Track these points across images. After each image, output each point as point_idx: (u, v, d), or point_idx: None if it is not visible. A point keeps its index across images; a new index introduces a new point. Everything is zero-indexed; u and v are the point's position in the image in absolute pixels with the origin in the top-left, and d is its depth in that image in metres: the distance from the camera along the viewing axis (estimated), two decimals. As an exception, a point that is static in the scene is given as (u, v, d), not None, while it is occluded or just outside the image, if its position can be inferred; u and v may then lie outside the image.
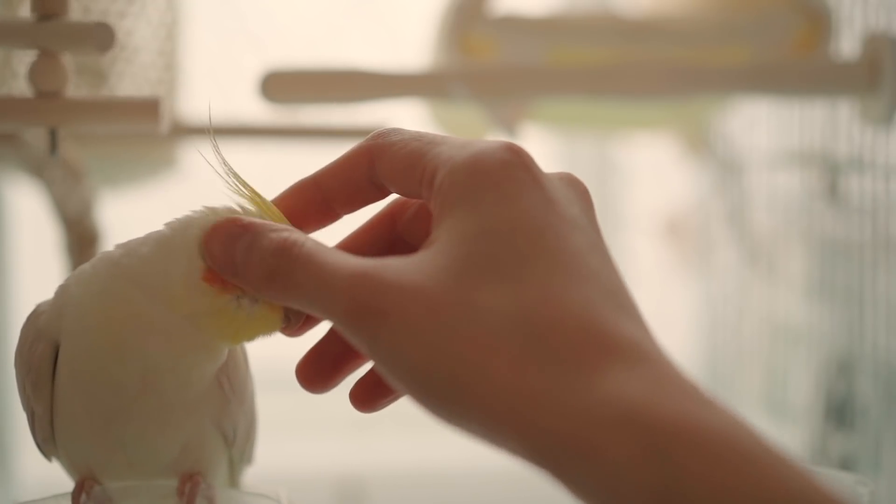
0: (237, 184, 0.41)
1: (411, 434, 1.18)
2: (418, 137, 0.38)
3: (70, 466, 0.46)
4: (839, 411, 0.88)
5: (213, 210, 0.41)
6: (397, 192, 0.39)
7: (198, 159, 1.07)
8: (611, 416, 0.31)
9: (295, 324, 0.41)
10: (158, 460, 0.45)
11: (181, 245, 0.41)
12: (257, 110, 0.80)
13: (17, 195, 1.10)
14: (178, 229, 0.42)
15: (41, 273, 0.87)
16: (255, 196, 0.41)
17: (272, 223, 0.39)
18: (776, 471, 0.30)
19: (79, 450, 0.45)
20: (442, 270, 0.34)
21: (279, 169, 1.20)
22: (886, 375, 0.83)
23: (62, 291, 0.43)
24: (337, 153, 0.40)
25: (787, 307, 1.01)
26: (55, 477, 0.47)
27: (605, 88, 0.79)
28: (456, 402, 0.33)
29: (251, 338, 0.42)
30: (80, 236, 0.78)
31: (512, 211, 0.35)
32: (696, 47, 0.84)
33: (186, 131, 0.86)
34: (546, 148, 1.32)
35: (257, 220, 0.39)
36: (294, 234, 0.37)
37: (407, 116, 0.97)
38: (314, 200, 0.40)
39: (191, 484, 0.44)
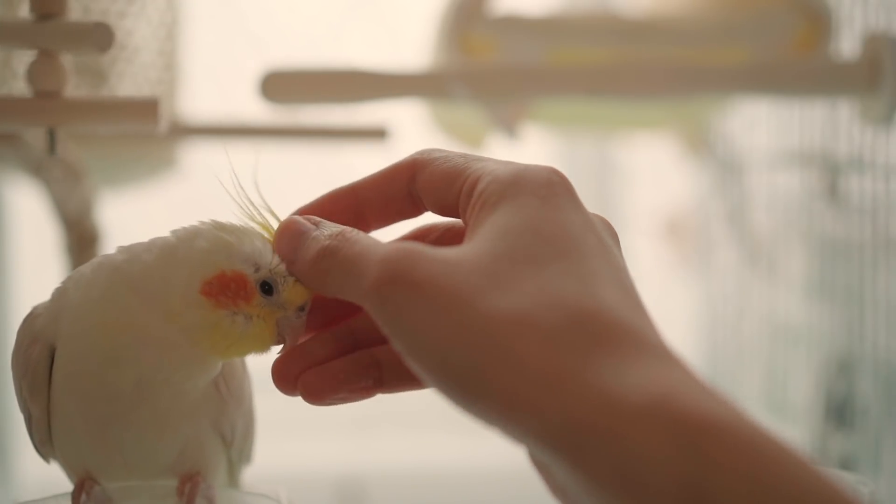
0: (251, 209, 0.42)
1: (411, 434, 1.18)
2: (462, 154, 0.39)
3: (68, 468, 0.46)
4: (839, 411, 0.88)
5: (219, 225, 0.42)
6: (432, 206, 0.40)
7: (198, 159, 1.07)
8: (640, 406, 0.31)
9: (290, 343, 0.41)
10: (157, 463, 0.45)
11: (184, 257, 0.41)
12: (257, 110, 0.80)
13: (17, 195, 1.10)
14: (184, 240, 0.42)
15: (41, 273, 0.87)
16: (266, 226, 0.42)
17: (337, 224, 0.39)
18: (802, 471, 0.30)
19: (76, 452, 0.45)
20: (480, 254, 0.35)
21: (279, 169, 1.20)
22: (886, 375, 0.83)
23: (60, 295, 0.43)
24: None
25: (787, 307, 1.01)
26: (55, 477, 0.47)
27: (605, 88, 0.79)
28: (476, 381, 0.33)
29: (243, 353, 0.43)
30: (80, 236, 0.78)
31: (554, 217, 0.36)
32: (696, 47, 0.84)
33: (186, 131, 0.86)
34: (546, 148, 1.32)
35: (328, 221, 0.39)
36: (353, 229, 0.38)
37: (407, 116, 0.97)
38: (349, 209, 0.40)
39: (190, 484, 0.44)
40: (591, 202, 0.38)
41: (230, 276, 0.41)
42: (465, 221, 0.38)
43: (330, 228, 0.39)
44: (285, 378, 0.40)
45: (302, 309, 0.41)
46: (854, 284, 0.87)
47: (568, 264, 0.35)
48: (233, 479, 0.50)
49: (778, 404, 1.02)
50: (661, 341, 0.34)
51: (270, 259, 0.41)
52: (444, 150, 0.40)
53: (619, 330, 0.33)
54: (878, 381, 0.83)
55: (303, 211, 0.41)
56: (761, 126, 1.04)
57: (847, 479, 0.49)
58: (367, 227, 0.41)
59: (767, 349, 1.05)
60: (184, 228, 0.42)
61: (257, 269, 0.41)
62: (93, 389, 0.42)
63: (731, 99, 0.97)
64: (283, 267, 0.41)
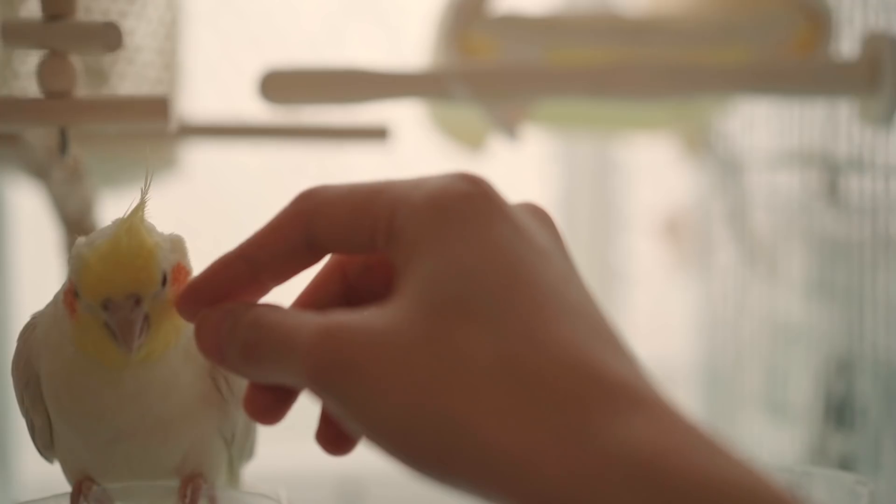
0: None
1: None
2: (355, 188, 0.35)
3: (70, 473, 0.46)
4: (839, 411, 0.88)
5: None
6: (339, 251, 0.36)
7: (197, 159, 1.07)
8: (619, 473, 0.29)
9: (123, 342, 0.40)
10: (160, 467, 0.45)
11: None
12: (257, 110, 0.80)
13: (17, 195, 1.10)
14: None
15: (41, 273, 0.87)
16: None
17: (255, 303, 0.36)
18: None
19: (78, 462, 0.45)
20: (413, 317, 0.31)
21: (279, 169, 1.20)
22: (886, 375, 0.83)
23: (37, 331, 0.44)
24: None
25: (786, 307, 1.01)
26: (55, 477, 0.47)
27: (605, 88, 0.79)
28: (442, 464, 0.31)
29: (111, 357, 0.41)
30: (79, 236, 0.78)
31: (480, 245, 0.32)
32: (696, 47, 0.84)
33: (186, 131, 0.86)
34: (546, 148, 1.32)
35: (240, 303, 0.36)
36: (265, 307, 0.35)
37: (407, 116, 0.97)
38: (240, 276, 0.36)
39: (192, 486, 0.44)
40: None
41: (69, 286, 0.41)
42: (388, 259, 0.34)
43: (242, 316, 0.35)
44: (264, 416, 0.37)
45: (106, 307, 0.40)
46: (854, 284, 0.87)
47: (508, 307, 0.31)
48: (233, 476, 0.50)
49: (777, 404, 1.02)
50: (627, 378, 0.31)
51: (80, 253, 0.40)
52: (332, 187, 0.36)
53: (579, 378, 0.30)
54: (878, 381, 0.83)
55: (191, 286, 0.37)
56: (761, 126, 1.04)
57: (847, 480, 0.49)
58: (264, 289, 0.37)
59: (767, 349, 1.05)
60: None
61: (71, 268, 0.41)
62: (80, 430, 0.43)
63: (731, 99, 0.97)
64: (84, 262, 0.40)
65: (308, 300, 0.38)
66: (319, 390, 0.32)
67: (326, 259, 0.38)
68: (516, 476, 0.29)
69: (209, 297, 0.37)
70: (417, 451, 0.31)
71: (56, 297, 0.43)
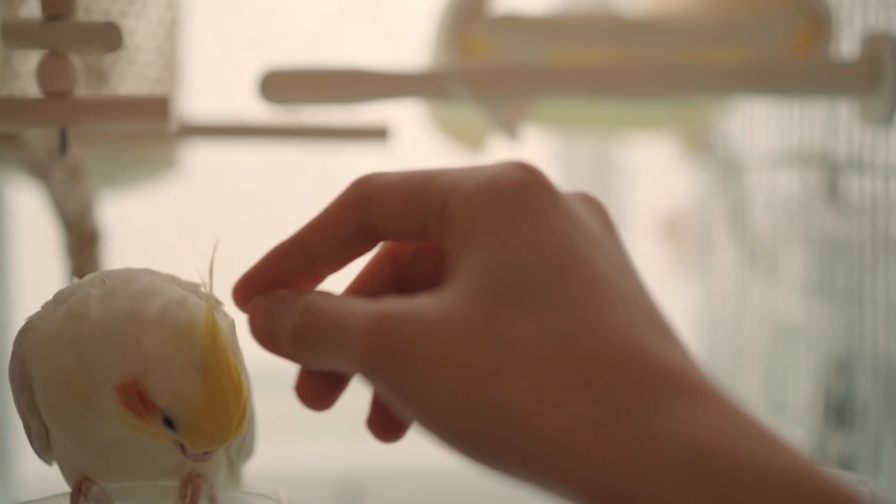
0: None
1: (411, 434, 1.17)
2: (409, 175, 0.35)
3: (68, 475, 0.46)
4: (839, 411, 0.88)
5: (157, 325, 0.40)
6: (392, 236, 0.36)
7: (197, 159, 1.07)
8: (678, 460, 0.28)
9: (194, 470, 0.41)
10: (159, 468, 0.45)
11: (113, 344, 0.40)
12: (257, 110, 0.80)
13: (17, 195, 1.10)
14: (122, 323, 0.40)
15: (41, 273, 0.87)
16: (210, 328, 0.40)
17: (307, 290, 0.37)
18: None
19: (75, 463, 0.45)
20: (467, 304, 0.31)
21: (279, 169, 1.20)
22: (886, 375, 0.83)
23: (29, 336, 0.43)
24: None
25: (786, 307, 1.01)
26: (55, 477, 0.47)
27: (605, 88, 0.79)
28: (496, 451, 0.30)
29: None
30: (80, 236, 0.78)
31: (535, 233, 0.32)
32: (696, 47, 0.84)
33: (186, 131, 0.86)
34: (546, 148, 1.32)
35: (292, 290, 0.37)
36: (317, 294, 0.36)
37: (407, 116, 0.97)
38: (296, 264, 0.37)
39: (192, 486, 0.44)
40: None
41: (140, 393, 0.40)
42: (441, 247, 0.34)
43: (294, 301, 0.35)
44: (314, 402, 0.37)
45: (206, 453, 0.40)
46: (854, 284, 0.87)
47: (562, 295, 0.31)
48: (233, 474, 0.50)
49: (777, 404, 1.02)
50: (683, 368, 0.30)
51: (181, 392, 0.39)
52: (386, 174, 0.36)
53: (636, 367, 0.30)
54: (878, 381, 0.83)
55: (248, 275, 0.37)
56: (761, 126, 1.04)
57: (847, 479, 0.49)
58: (319, 277, 0.37)
59: (767, 349, 1.05)
60: (133, 295, 0.41)
61: (166, 401, 0.39)
62: (75, 439, 0.43)
63: (731, 99, 0.97)
64: (192, 413, 0.39)
65: (359, 287, 0.38)
66: (373, 376, 0.32)
67: (378, 247, 0.38)
68: (573, 463, 0.29)
69: (264, 286, 0.37)
70: (471, 438, 0.31)
71: (56, 298, 0.43)
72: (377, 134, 0.83)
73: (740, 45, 0.84)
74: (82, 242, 0.78)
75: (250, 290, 0.37)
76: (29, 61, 0.78)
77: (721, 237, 1.15)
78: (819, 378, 0.92)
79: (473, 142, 0.98)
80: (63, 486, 0.45)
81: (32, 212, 1.05)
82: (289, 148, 0.94)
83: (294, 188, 1.25)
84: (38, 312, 0.44)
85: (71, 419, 0.42)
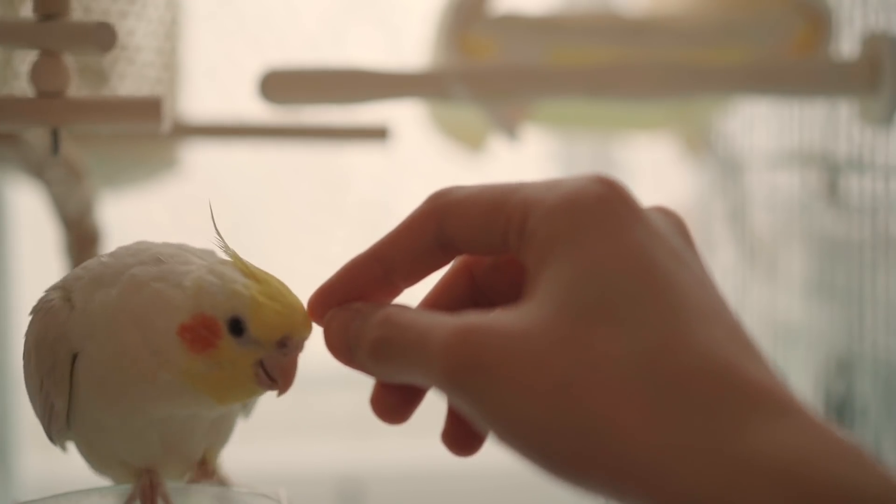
0: (240, 263, 0.41)
1: (411, 434, 1.18)
2: (488, 188, 0.35)
3: (95, 454, 0.45)
4: (839, 411, 0.88)
5: (210, 267, 0.41)
6: (471, 251, 0.36)
7: (197, 159, 1.07)
8: (765, 477, 0.28)
9: (282, 385, 0.40)
10: (193, 447, 0.45)
11: (170, 296, 0.40)
12: (257, 110, 0.80)
13: (17, 195, 1.10)
14: (173, 277, 0.41)
15: (41, 273, 0.87)
16: (260, 277, 0.40)
17: (383, 303, 0.37)
18: None
19: (110, 446, 0.45)
20: (550, 318, 0.31)
21: (279, 169, 1.20)
22: (886, 375, 0.83)
23: (87, 304, 0.42)
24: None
25: (786, 306, 1.01)
26: (55, 477, 0.47)
27: (605, 88, 0.79)
28: (579, 465, 0.30)
29: (235, 400, 0.41)
30: (80, 236, 0.78)
31: (618, 248, 0.32)
32: (696, 47, 0.84)
33: (186, 131, 0.86)
34: (546, 148, 1.32)
35: (368, 303, 0.37)
36: (395, 307, 0.36)
37: (407, 116, 0.97)
38: (373, 276, 0.37)
39: (150, 486, 0.44)
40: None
41: (202, 320, 0.40)
42: (521, 262, 0.34)
43: (372, 314, 0.35)
44: (388, 416, 0.37)
45: (284, 345, 0.39)
46: (854, 284, 0.87)
47: (646, 310, 0.31)
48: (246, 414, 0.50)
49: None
50: (769, 384, 0.30)
51: (237, 289, 0.39)
52: (463, 188, 0.36)
53: (721, 382, 0.30)
54: (878, 380, 0.84)
55: (324, 288, 0.37)
56: (761, 126, 1.04)
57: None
58: (396, 291, 0.38)
59: (767, 349, 1.05)
60: (185, 255, 0.42)
61: (228, 310, 0.39)
62: (118, 416, 0.43)
63: (731, 99, 0.97)
64: (253, 298, 0.39)
65: (435, 301, 0.38)
66: (454, 390, 0.32)
67: (453, 262, 0.38)
68: (659, 477, 0.29)
69: (340, 299, 0.37)
70: (554, 451, 0.31)
71: (93, 277, 0.42)
72: (377, 134, 0.84)
73: (740, 45, 0.84)
74: (82, 242, 0.78)
75: (326, 302, 0.37)
76: (30, 61, 0.78)
77: (721, 237, 1.15)
78: (819, 378, 0.92)
79: (473, 142, 0.98)
80: (63, 486, 0.45)
81: (32, 212, 1.05)
82: (289, 148, 0.94)
83: (294, 188, 1.26)
84: (61, 291, 0.43)
85: (123, 398, 0.42)
